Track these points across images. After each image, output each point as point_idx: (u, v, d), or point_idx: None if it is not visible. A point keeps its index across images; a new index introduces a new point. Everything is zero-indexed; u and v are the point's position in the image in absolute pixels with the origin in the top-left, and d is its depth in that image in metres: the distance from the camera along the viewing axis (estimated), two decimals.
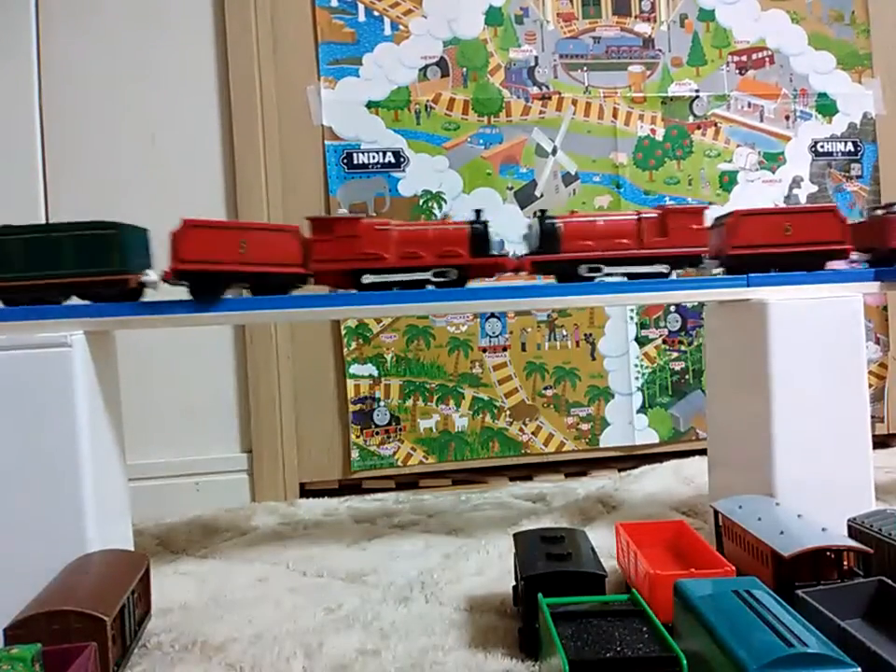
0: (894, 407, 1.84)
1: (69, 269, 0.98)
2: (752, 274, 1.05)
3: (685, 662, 0.64)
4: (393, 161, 1.62)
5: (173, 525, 1.30)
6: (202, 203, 1.53)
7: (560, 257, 1.09)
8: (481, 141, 1.66)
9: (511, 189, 1.67)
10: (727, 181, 1.76)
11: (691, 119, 1.75)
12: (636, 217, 1.10)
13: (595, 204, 1.70)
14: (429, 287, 1.08)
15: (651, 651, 0.65)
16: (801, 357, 1.00)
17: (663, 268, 1.09)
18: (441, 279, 1.07)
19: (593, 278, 1.09)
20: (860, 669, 0.62)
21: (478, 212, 1.11)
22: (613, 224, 1.10)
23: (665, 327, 1.74)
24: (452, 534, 1.22)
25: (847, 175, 1.82)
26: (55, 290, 0.99)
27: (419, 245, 1.06)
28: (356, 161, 1.61)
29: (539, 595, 0.75)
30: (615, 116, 1.71)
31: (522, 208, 1.68)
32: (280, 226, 1.07)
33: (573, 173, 1.70)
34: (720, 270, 1.14)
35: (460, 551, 1.12)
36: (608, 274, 1.09)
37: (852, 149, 1.82)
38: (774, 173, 1.79)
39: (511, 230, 1.65)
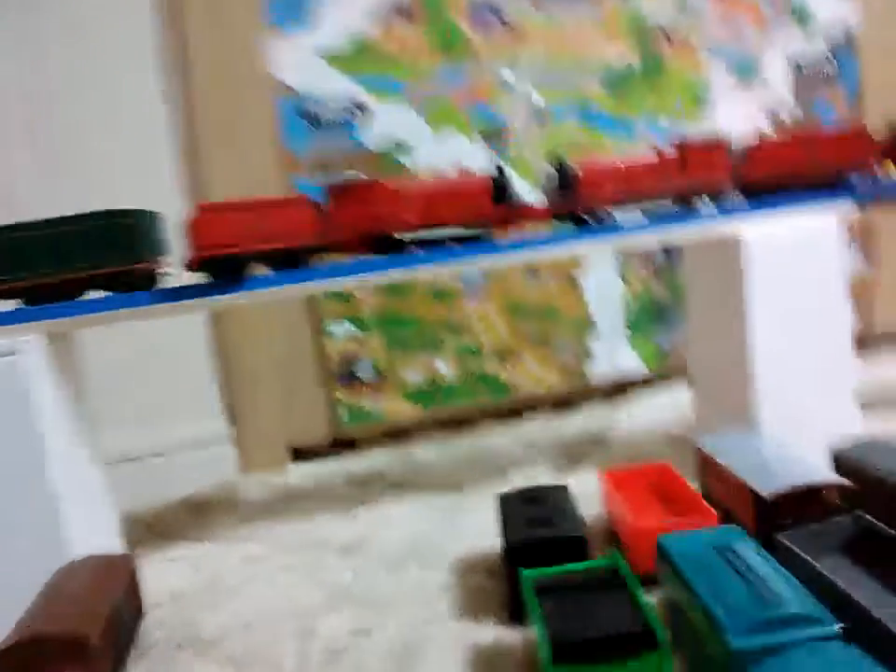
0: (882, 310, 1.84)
1: (84, 262, 0.95)
2: (727, 207, 1.04)
3: (663, 637, 0.64)
4: (356, 111, 1.56)
5: (162, 509, 1.31)
6: (155, 184, 1.47)
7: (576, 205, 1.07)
8: (446, 83, 1.59)
9: (481, 132, 1.62)
10: (703, 100, 1.71)
11: (663, 40, 1.68)
12: (654, 155, 1.08)
13: (569, 139, 1.65)
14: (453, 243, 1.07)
15: (632, 627, 0.65)
16: (779, 292, 0.99)
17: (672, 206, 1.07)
18: (469, 233, 1.05)
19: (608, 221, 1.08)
20: (838, 627, 0.63)
21: (500, 168, 1.08)
22: (632, 165, 1.08)
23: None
24: (441, 492, 1.22)
25: (827, 83, 1.76)
26: (73, 286, 0.96)
27: (441, 204, 1.04)
28: (315, 116, 1.55)
29: (520, 569, 0.76)
30: (584, 45, 1.64)
31: (493, 150, 1.63)
32: (292, 198, 1.03)
33: (544, 108, 1.64)
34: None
35: (450, 512, 1.13)
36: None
37: (831, 58, 1.76)
38: (751, 88, 1.73)
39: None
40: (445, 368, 1.66)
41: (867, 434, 0.99)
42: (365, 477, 1.37)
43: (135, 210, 0.98)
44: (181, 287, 1.00)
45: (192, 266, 0.98)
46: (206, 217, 0.96)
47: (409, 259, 1.04)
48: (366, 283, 1.06)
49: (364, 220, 1.01)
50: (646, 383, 1.71)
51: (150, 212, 1.02)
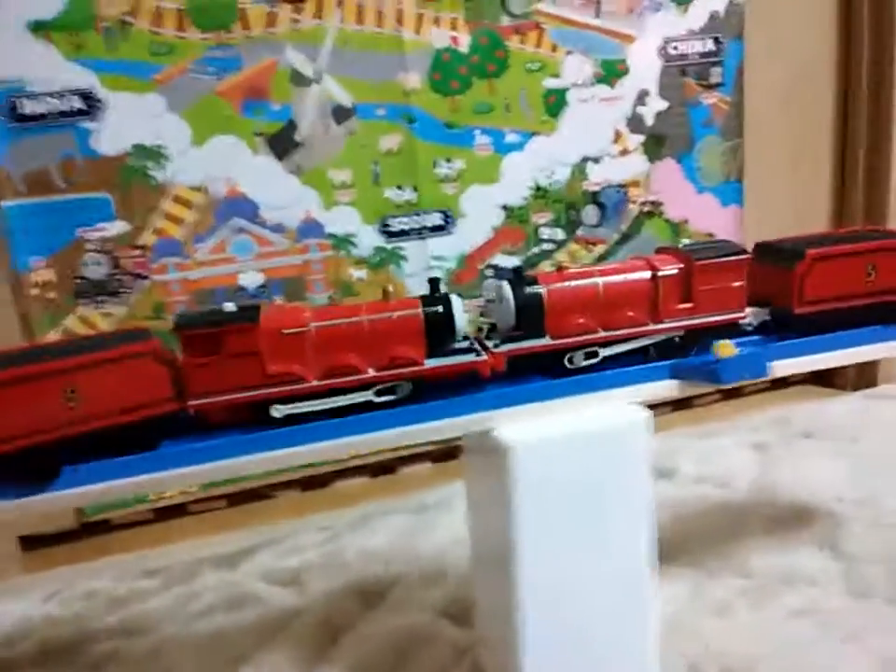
0: None
1: None
2: (495, 391, 0.71)
3: None
4: (81, 105, 1.14)
5: None
6: None
7: (546, 346, 0.73)
8: (210, 68, 1.18)
9: (262, 134, 1.23)
10: (554, 102, 1.36)
11: (505, 20, 1.31)
12: (649, 274, 0.75)
13: (380, 147, 1.28)
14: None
15: None
16: (555, 514, 0.67)
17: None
18: (389, 397, 0.70)
19: (589, 368, 0.74)
20: None
21: (434, 282, 0.73)
22: (619, 288, 0.75)
23: (481, 295, 1.40)
24: None
25: (704, 83, 1.45)
26: None
27: (352, 349, 0.69)
28: (24, 111, 1.12)
29: None
30: (400, 21, 1.26)
31: (280, 159, 1.24)
32: (130, 350, 0.65)
33: (348, 105, 1.26)
34: None
35: None
36: (604, 361, 0.75)
37: (713, 49, 1.44)
38: (613, 87, 1.39)
39: (266, 192, 1.26)
40: None
41: None
42: (69, 643, 1.02)
43: None
44: None
45: None
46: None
47: (295, 435, 0.69)
48: (245, 469, 0.68)
49: (238, 381, 0.67)
50: None
51: None
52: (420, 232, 1.34)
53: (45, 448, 0.63)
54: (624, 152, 1.43)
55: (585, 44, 1.36)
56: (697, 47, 1.42)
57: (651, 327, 0.74)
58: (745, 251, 0.77)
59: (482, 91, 1.32)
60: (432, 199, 1.34)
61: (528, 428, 0.67)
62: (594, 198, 1.43)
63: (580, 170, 1.41)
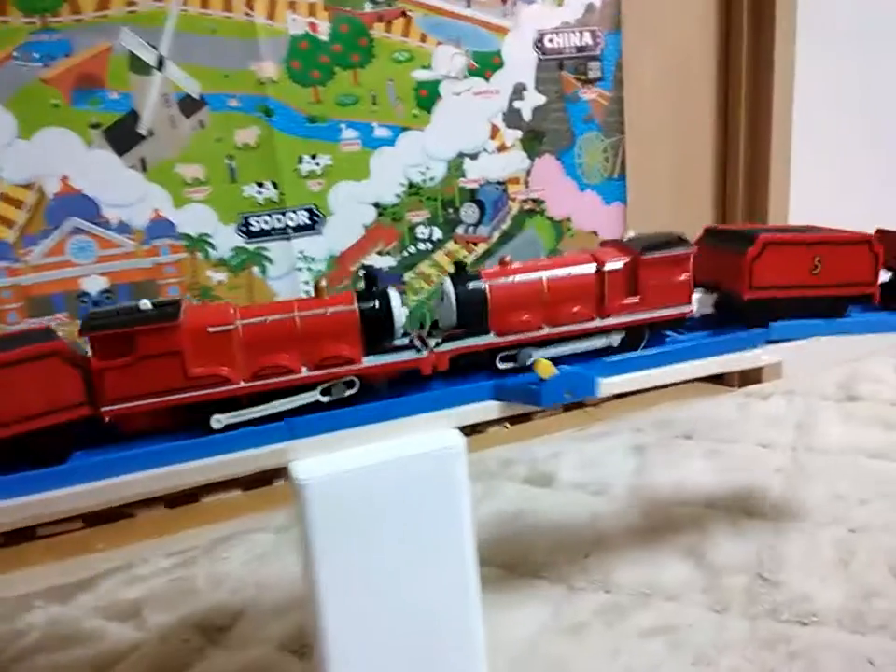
0: None
1: None
2: (295, 419, 0.63)
3: None
4: None
5: None
6: None
7: (490, 344, 0.69)
8: (35, 55, 1.07)
9: (99, 126, 1.13)
10: (426, 95, 1.30)
11: (367, 6, 1.24)
12: (594, 268, 0.72)
13: (236, 141, 1.20)
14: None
15: None
16: (366, 548, 0.61)
17: (614, 340, 0.73)
18: (327, 397, 0.65)
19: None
20: None
21: (369, 274, 0.67)
22: (563, 283, 0.71)
23: None
24: None
25: (583, 78, 1.40)
26: None
27: (283, 349, 0.63)
28: None
29: None
30: (251, 5, 1.17)
31: (120, 154, 1.14)
32: (34, 351, 0.57)
33: (196, 95, 1.17)
34: None
35: None
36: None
37: (590, 42, 1.39)
38: (489, 80, 1.34)
39: (107, 189, 1.16)
40: None
41: None
42: None
43: None
44: None
45: None
46: None
47: (222, 443, 0.63)
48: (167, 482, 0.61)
49: (156, 385, 0.60)
50: None
51: None
52: (285, 232, 1.26)
53: None
54: (502, 148, 1.37)
55: (456, 34, 1.30)
56: (574, 40, 1.38)
57: (597, 322, 0.72)
58: (691, 244, 0.74)
59: (346, 83, 1.24)
60: (296, 196, 1.26)
61: (328, 461, 0.60)
62: (472, 195, 1.38)
63: (455, 166, 1.35)
